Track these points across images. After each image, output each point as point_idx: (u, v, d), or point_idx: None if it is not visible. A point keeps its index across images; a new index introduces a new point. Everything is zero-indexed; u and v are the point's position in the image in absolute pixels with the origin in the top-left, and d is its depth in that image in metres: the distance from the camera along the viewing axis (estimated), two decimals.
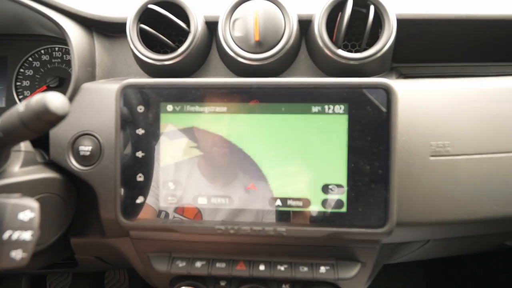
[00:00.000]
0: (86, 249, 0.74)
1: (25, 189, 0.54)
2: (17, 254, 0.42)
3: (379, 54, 0.61)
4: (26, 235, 0.42)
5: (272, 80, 0.55)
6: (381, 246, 0.62)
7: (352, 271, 0.61)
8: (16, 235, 0.42)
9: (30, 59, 0.83)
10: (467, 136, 0.58)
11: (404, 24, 0.64)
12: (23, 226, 0.42)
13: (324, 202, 0.54)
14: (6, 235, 0.41)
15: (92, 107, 0.63)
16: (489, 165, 0.58)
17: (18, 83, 0.83)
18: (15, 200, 0.43)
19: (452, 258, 1.17)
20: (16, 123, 0.43)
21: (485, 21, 0.65)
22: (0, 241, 0.41)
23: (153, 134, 0.56)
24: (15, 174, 0.54)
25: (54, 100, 0.42)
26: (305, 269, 0.61)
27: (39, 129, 0.44)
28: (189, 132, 0.56)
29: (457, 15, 0.65)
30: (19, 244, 0.42)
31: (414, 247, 0.78)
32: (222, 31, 0.64)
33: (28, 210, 0.43)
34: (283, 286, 0.66)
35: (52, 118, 0.42)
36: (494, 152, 0.58)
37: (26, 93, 0.83)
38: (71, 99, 0.64)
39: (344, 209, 0.54)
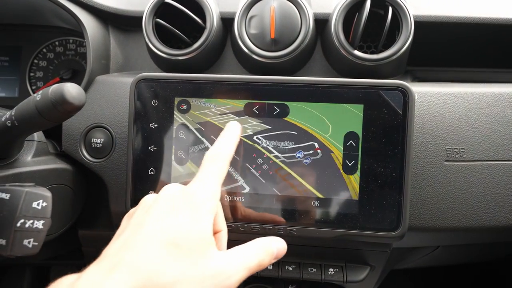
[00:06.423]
0: (94, 242, 0.74)
1: (36, 178, 0.54)
2: (30, 242, 0.42)
3: (395, 56, 0.61)
4: (39, 224, 0.42)
5: (288, 78, 0.55)
6: (391, 250, 0.62)
7: (361, 275, 0.61)
8: (29, 223, 0.42)
9: (44, 50, 0.83)
10: (483, 142, 0.57)
11: (420, 26, 0.64)
12: (36, 214, 0.42)
13: (336, 203, 0.53)
14: (20, 223, 0.41)
15: (106, 100, 0.63)
16: (505, 172, 0.57)
17: (31, 74, 0.83)
18: (29, 189, 0.43)
19: (459, 266, 1.16)
20: (32, 112, 0.43)
21: (504, 26, 0.64)
22: (14, 228, 0.41)
23: (166, 128, 0.56)
24: (27, 164, 0.54)
25: (71, 90, 0.42)
26: (314, 270, 0.60)
27: (55, 119, 0.44)
28: (202, 127, 0.56)
29: (476, 18, 0.64)
30: (31, 232, 0.42)
31: (423, 253, 0.77)
32: (238, 27, 0.63)
33: (42, 199, 0.43)
34: (290, 286, 0.66)
35: (69, 108, 0.42)
36: (511, 159, 0.57)
37: (39, 84, 0.83)
38: (85, 91, 0.64)
39: (356, 211, 0.53)
